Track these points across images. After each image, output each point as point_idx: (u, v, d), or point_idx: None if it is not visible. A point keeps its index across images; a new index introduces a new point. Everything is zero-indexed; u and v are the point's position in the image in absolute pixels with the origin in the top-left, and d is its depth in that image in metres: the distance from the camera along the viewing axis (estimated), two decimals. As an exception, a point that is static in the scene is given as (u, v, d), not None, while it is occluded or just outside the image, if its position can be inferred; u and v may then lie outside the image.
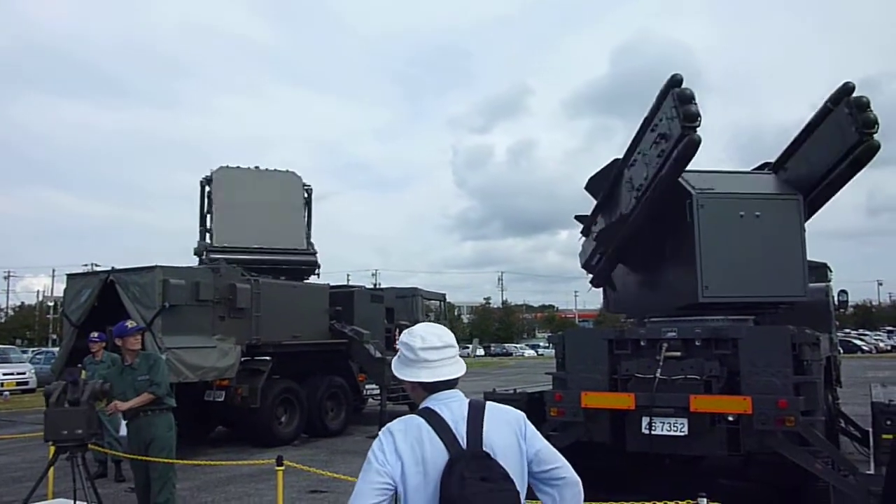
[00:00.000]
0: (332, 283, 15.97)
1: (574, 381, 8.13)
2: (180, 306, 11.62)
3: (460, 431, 2.30)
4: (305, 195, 16.42)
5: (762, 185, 8.63)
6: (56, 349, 13.73)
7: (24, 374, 26.28)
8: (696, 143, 7.40)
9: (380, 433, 2.32)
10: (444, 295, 20.14)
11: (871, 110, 7.67)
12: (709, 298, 7.96)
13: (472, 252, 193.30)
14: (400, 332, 14.97)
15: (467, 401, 2.43)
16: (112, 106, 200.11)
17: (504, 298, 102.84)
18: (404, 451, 2.26)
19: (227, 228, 14.98)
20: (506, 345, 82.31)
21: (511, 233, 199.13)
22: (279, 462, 6.35)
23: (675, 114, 7.40)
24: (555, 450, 2.47)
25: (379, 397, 14.80)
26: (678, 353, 7.60)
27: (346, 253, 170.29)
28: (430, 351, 2.39)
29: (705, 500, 4.58)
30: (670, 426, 7.38)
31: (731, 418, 7.17)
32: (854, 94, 7.72)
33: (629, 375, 7.82)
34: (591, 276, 9.97)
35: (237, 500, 8.83)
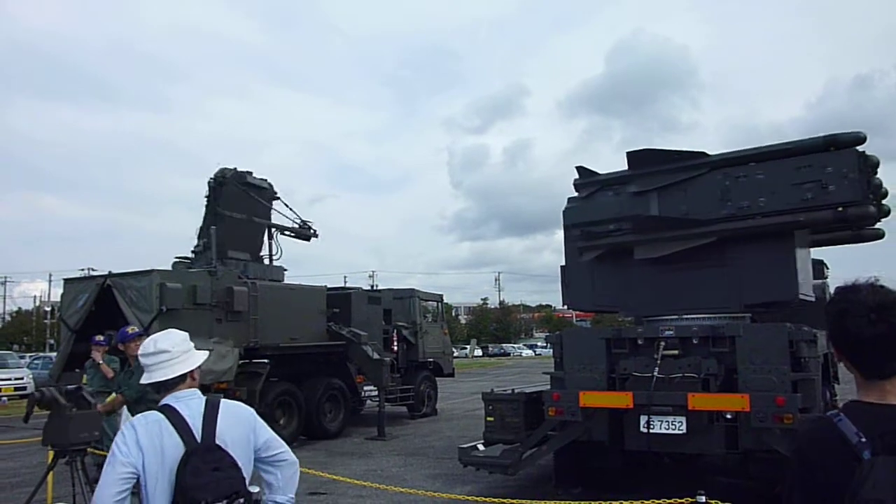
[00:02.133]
0: (329, 285, 15.96)
1: (572, 381, 8.14)
2: (178, 310, 11.61)
3: (196, 426, 2.66)
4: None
5: None
6: (54, 354, 13.68)
7: (21, 379, 26.22)
8: (872, 216, 7.71)
9: (123, 427, 2.66)
10: (441, 296, 20.13)
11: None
12: (803, 296, 8.16)
13: (469, 253, 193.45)
14: (398, 334, 14.98)
15: (205, 399, 2.80)
16: (106, 109, 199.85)
17: (501, 299, 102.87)
18: (145, 443, 2.58)
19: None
20: (503, 345, 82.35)
21: (508, 233, 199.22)
22: (278, 464, 6.34)
23: (856, 177, 7.45)
24: (278, 438, 2.95)
25: (377, 398, 14.79)
26: (676, 352, 7.62)
27: (343, 255, 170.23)
28: (147, 357, 2.80)
29: (704, 497, 4.60)
30: (668, 424, 7.40)
31: (729, 416, 7.19)
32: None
33: (627, 374, 7.83)
34: (585, 240, 9.19)
35: (236, 503, 8.81)
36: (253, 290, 13.03)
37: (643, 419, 7.44)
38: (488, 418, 8.97)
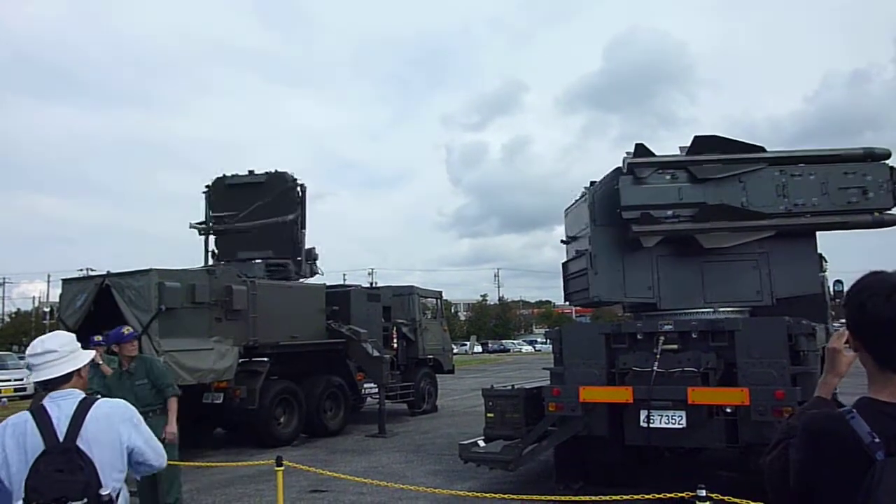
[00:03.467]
0: (328, 283, 15.94)
1: (572, 376, 8.15)
2: (177, 309, 11.59)
3: (62, 427, 2.78)
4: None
5: None
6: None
7: (21, 380, 26.21)
8: None
9: None
10: (440, 293, 20.11)
11: None
12: None
13: (469, 249, 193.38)
14: (397, 331, 14.96)
15: (79, 400, 2.92)
16: (104, 109, 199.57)
17: (501, 295, 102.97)
18: (10, 443, 2.76)
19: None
20: (503, 341, 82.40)
21: (507, 229, 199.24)
22: (279, 462, 6.36)
23: (890, 187, 8.27)
24: (154, 447, 3.09)
25: (377, 396, 14.79)
26: (675, 346, 7.63)
27: (343, 252, 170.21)
28: (34, 357, 2.94)
29: (704, 491, 4.60)
30: (668, 419, 7.41)
31: (728, 410, 7.20)
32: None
33: (627, 369, 7.84)
34: (641, 225, 8.49)
35: (238, 502, 8.83)
36: (252, 288, 13.02)
37: (643, 414, 7.45)
38: (488, 414, 8.98)
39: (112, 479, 2.85)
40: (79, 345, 3.10)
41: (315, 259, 16.10)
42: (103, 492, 2.77)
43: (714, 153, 8.50)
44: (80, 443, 2.77)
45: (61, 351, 2.95)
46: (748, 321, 7.72)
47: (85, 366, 3.06)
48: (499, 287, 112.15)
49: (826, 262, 11.01)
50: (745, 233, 8.40)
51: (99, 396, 3.11)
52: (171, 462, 6.58)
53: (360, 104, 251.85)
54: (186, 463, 7.71)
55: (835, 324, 10.25)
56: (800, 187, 8.35)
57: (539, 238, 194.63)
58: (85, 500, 2.70)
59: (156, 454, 3.11)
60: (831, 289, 10.67)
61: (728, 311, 8.25)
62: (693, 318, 7.96)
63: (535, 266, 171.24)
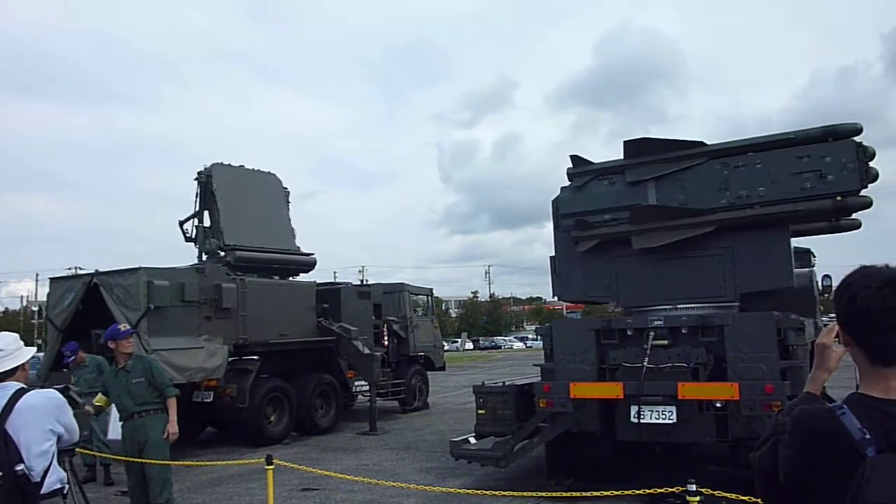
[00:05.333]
0: (318, 281, 15.92)
1: (562, 372, 8.15)
2: (166, 307, 11.55)
3: None
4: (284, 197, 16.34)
5: None
6: (41, 354, 13.55)
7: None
8: (870, 205, 7.81)
9: None
10: (431, 290, 20.11)
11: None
12: None
13: (460, 246, 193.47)
14: (388, 328, 15.00)
15: (14, 390, 3.45)
16: (92, 107, 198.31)
17: (492, 291, 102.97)
18: None
19: (235, 227, 14.59)
20: (494, 338, 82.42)
21: (498, 226, 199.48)
22: (269, 461, 6.33)
23: (855, 167, 7.58)
24: (70, 427, 3.66)
25: (368, 393, 14.77)
26: (665, 342, 7.65)
27: (333, 250, 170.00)
28: None
29: (695, 486, 4.61)
30: (659, 414, 7.43)
31: (718, 405, 7.23)
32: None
33: (617, 365, 7.85)
34: (579, 231, 9.09)
35: (228, 501, 8.79)
36: (241, 286, 12.97)
37: (634, 409, 7.46)
38: (480, 411, 8.98)
39: (36, 459, 3.40)
40: (21, 343, 3.65)
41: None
42: (18, 468, 3.30)
43: (650, 155, 8.64)
44: (7, 426, 3.33)
45: (7, 350, 3.51)
46: (738, 316, 7.74)
47: (27, 361, 3.63)
48: (489, 284, 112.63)
49: (814, 256, 11.07)
50: (681, 231, 8.39)
51: (30, 389, 3.57)
52: (163, 462, 6.57)
53: (351, 102, 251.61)
54: (177, 462, 7.67)
55: (824, 318, 10.30)
56: (744, 178, 8.09)
57: (530, 234, 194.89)
58: (1, 473, 3.26)
59: (71, 436, 3.71)
60: (820, 283, 10.72)
61: (706, 308, 8.19)
62: (683, 313, 7.97)
63: (525, 262, 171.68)
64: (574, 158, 9.37)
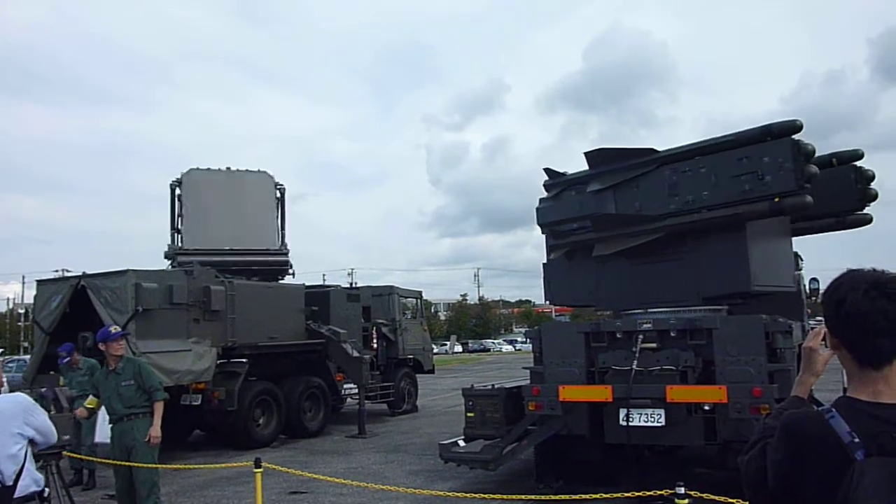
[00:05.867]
0: (307, 283, 15.88)
1: (551, 375, 8.16)
2: (154, 310, 11.48)
3: None
4: (278, 194, 16.29)
5: None
6: (28, 357, 13.48)
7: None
8: (808, 206, 7.63)
9: None
10: (420, 292, 20.12)
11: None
12: (759, 288, 8.14)
13: (449, 249, 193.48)
14: (377, 331, 14.98)
15: None
16: (79, 108, 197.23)
17: (481, 294, 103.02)
18: None
19: (197, 231, 14.85)
20: (483, 341, 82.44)
21: (488, 229, 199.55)
22: (257, 464, 6.31)
23: (791, 167, 7.47)
24: (42, 430, 3.71)
25: (357, 396, 14.74)
26: (654, 345, 7.66)
27: (322, 252, 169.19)
28: None
29: (683, 489, 4.62)
30: (648, 417, 7.44)
31: (707, 407, 7.25)
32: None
33: (606, 368, 7.87)
34: (553, 239, 9.56)
35: (216, 504, 8.75)
36: (230, 289, 12.92)
37: (622, 412, 7.48)
38: (469, 414, 8.98)
39: (5, 462, 3.48)
40: None
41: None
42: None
43: (609, 164, 8.88)
44: None
45: None
46: (726, 319, 7.77)
47: None
48: (479, 286, 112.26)
49: (802, 259, 11.12)
50: (635, 238, 8.57)
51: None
52: (150, 465, 6.54)
53: (341, 103, 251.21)
54: (164, 465, 7.63)
55: (811, 321, 10.35)
56: (690, 183, 8.16)
57: (519, 237, 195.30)
58: None
59: (46, 438, 3.77)
60: (807, 286, 10.78)
61: (704, 310, 8.27)
62: (672, 316, 8.00)
63: (515, 266, 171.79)
64: (547, 171, 9.79)
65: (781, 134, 7.69)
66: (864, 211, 8.48)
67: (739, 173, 7.79)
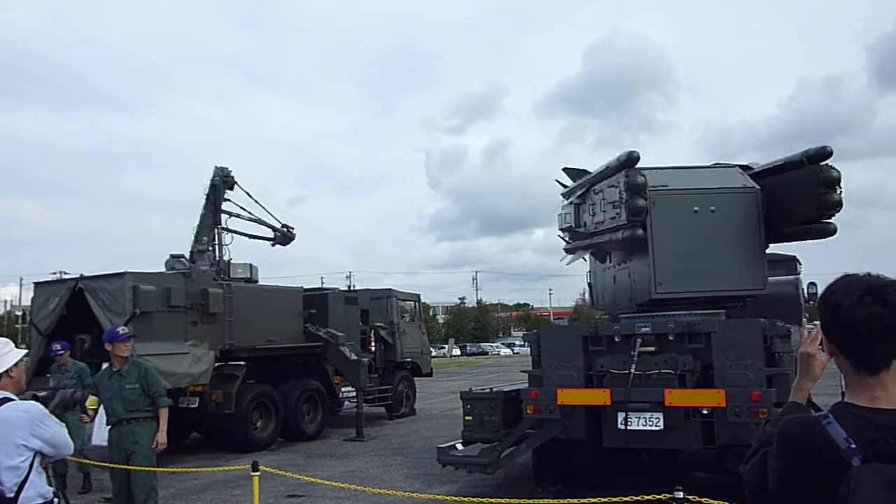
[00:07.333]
0: (305, 286, 15.87)
1: (550, 379, 8.15)
2: (151, 312, 11.47)
3: None
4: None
5: (719, 179, 8.71)
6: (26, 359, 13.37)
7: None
8: (641, 239, 8.07)
9: None
10: (418, 295, 20.10)
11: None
12: (661, 295, 8.10)
13: (448, 252, 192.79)
14: (375, 334, 14.97)
15: None
16: (77, 111, 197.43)
17: (479, 298, 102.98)
18: None
19: None
20: (481, 344, 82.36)
21: (486, 232, 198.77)
22: (255, 467, 6.29)
23: (619, 201, 8.06)
24: (53, 442, 3.47)
25: (355, 399, 14.72)
26: (652, 348, 7.66)
27: (321, 255, 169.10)
28: None
29: (681, 493, 4.61)
30: (646, 421, 7.44)
31: (705, 411, 7.24)
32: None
33: (604, 371, 7.86)
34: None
35: (213, 508, 8.73)
36: (228, 291, 12.91)
37: (621, 416, 7.47)
38: (467, 417, 8.96)
39: (6, 474, 3.29)
40: (10, 347, 3.52)
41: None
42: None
43: (576, 181, 9.70)
44: None
45: None
46: (724, 323, 7.78)
47: (13, 366, 3.45)
48: (477, 290, 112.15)
49: (800, 264, 11.15)
50: (578, 252, 9.81)
51: (11, 399, 3.43)
52: (148, 469, 6.51)
53: (339, 107, 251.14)
54: (162, 469, 7.61)
55: (809, 325, 10.34)
56: (599, 206, 8.75)
57: (518, 241, 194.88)
58: None
59: (58, 450, 3.54)
60: (805, 291, 10.79)
61: (702, 314, 8.26)
62: (670, 320, 8.00)
63: (513, 269, 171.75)
64: (567, 171, 10.21)
65: (622, 167, 8.13)
66: (829, 220, 8.00)
67: (611, 201, 8.43)
